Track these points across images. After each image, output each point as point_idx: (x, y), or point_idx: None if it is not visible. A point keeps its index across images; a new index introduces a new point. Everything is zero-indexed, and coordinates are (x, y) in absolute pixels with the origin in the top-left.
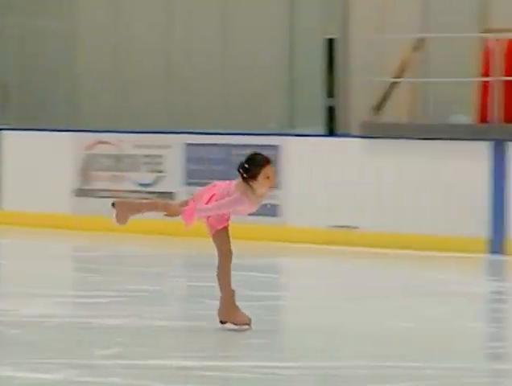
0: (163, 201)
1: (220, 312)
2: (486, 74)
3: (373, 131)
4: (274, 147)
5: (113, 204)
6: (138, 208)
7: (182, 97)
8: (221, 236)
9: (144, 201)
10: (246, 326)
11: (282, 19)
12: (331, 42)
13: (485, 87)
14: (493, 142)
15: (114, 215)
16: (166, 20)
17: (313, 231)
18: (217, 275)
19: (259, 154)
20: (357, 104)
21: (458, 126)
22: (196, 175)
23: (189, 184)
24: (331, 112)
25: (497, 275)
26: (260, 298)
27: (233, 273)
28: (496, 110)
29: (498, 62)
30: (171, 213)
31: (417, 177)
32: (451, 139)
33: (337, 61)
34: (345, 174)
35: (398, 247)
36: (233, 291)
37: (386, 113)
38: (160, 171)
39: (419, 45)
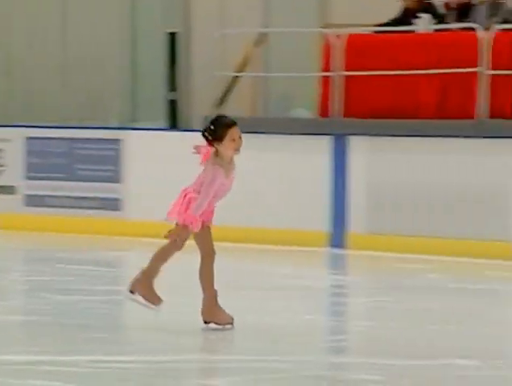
0: (167, 245)
1: (204, 312)
2: (327, 69)
3: None
4: (115, 141)
5: (131, 292)
6: (151, 275)
7: (22, 90)
8: (203, 236)
9: (153, 263)
10: (229, 326)
11: (123, 13)
12: (173, 36)
13: (326, 81)
14: (333, 137)
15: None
16: (5, 12)
17: (154, 225)
18: (200, 275)
19: (224, 116)
20: (199, 98)
21: (299, 120)
22: (36, 169)
23: (30, 178)
24: (173, 106)
25: (338, 269)
26: (100, 293)
27: (70, 266)
28: (336, 105)
29: (338, 57)
30: (184, 237)
31: (259, 171)
32: (292, 134)
33: (179, 55)
34: (187, 169)
35: (241, 241)
36: (216, 291)
37: (228, 108)
38: (0, 165)
39: (260, 40)
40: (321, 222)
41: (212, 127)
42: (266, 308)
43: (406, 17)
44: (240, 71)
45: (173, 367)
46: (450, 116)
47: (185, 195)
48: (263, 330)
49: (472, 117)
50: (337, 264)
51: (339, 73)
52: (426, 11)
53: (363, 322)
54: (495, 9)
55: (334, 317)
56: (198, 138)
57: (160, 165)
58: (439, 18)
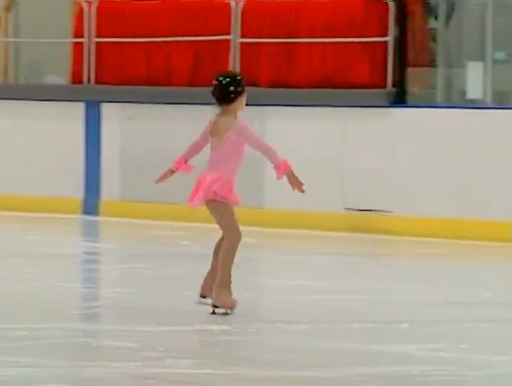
0: (226, 243)
1: (212, 290)
2: (79, 35)
3: None
4: None
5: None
6: (226, 282)
7: None
8: (231, 213)
9: (224, 268)
10: (230, 311)
11: None
12: None
13: (78, 48)
14: (86, 103)
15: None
16: None
17: None
18: (222, 254)
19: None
20: None
21: (51, 87)
22: None
23: None
24: None
25: (92, 236)
26: None
27: None
28: (89, 71)
29: (90, 23)
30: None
31: (12, 138)
32: (45, 100)
33: None
34: None
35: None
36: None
37: None
38: None
39: (10, 5)
40: (75, 189)
41: (235, 82)
42: (19, 276)
43: None
44: None
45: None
46: (203, 83)
47: (203, 182)
48: (15, 298)
49: None
50: (90, 231)
51: (91, 40)
52: None
53: (116, 288)
54: None
55: (87, 284)
56: None
57: None
58: None
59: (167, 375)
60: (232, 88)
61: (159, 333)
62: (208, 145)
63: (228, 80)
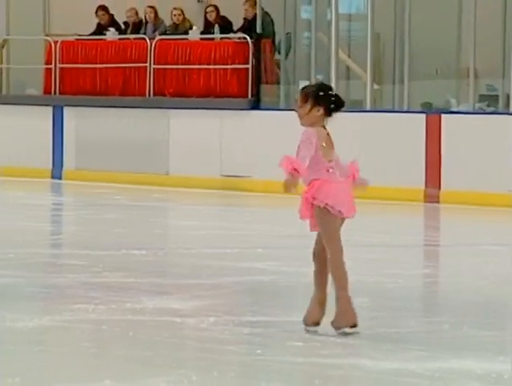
0: (331, 255)
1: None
2: (49, 62)
3: None
4: None
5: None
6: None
7: None
8: (328, 220)
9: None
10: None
11: None
12: None
13: (49, 71)
14: (54, 107)
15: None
16: None
17: None
18: (332, 272)
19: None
20: None
21: (31, 97)
22: None
23: None
24: None
25: (57, 193)
26: None
27: None
28: (55, 86)
29: (57, 54)
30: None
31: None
32: (25, 104)
33: None
34: None
35: None
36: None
37: None
38: None
39: (3, 43)
40: (45, 161)
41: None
42: (2, 218)
43: (100, 29)
44: None
45: None
46: (130, 94)
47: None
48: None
49: (143, 95)
50: (56, 190)
51: (56, 65)
52: (112, 26)
53: (73, 227)
54: (157, 26)
55: (53, 224)
56: None
57: None
58: (121, 31)
59: (106, 283)
60: (328, 98)
61: (101, 255)
62: None
63: (324, 89)
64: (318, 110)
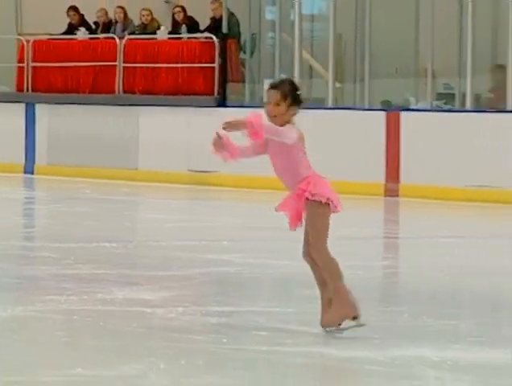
0: (323, 259)
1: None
2: (21, 61)
3: None
4: None
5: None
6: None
7: None
8: (326, 216)
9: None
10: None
11: None
12: None
13: (21, 69)
14: (25, 104)
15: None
16: None
17: None
18: (323, 267)
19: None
20: None
21: (3, 93)
22: None
23: None
24: None
25: (29, 188)
26: None
27: None
28: (28, 84)
29: (28, 53)
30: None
31: None
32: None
33: None
34: None
35: None
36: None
37: None
38: None
39: None
40: (18, 157)
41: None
42: None
43: (71, 29)
44: None
45: None
46: (100, 92)
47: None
48: None
49: (112, 92)
50: (29, 185)
51: (28, 64)
52: (83, 26)
53: (44, 220)
54: (126, 26)
55: (26, 217)
56: None
57: None
58: (91, 31)
59: (77, 274)
60: (298, 95)
61: (72, 248)
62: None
63: (292, 86)
64: (294, 109)
